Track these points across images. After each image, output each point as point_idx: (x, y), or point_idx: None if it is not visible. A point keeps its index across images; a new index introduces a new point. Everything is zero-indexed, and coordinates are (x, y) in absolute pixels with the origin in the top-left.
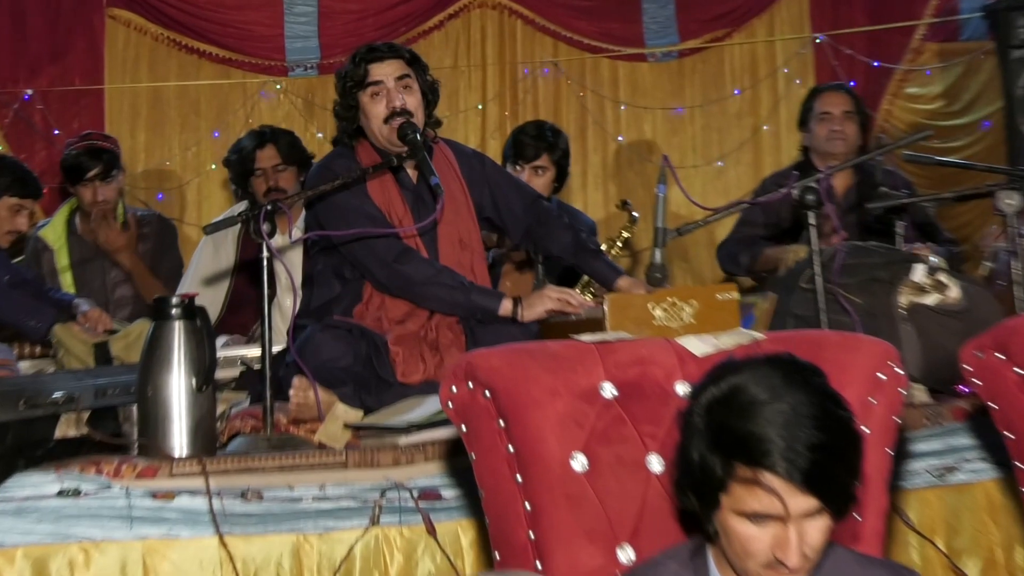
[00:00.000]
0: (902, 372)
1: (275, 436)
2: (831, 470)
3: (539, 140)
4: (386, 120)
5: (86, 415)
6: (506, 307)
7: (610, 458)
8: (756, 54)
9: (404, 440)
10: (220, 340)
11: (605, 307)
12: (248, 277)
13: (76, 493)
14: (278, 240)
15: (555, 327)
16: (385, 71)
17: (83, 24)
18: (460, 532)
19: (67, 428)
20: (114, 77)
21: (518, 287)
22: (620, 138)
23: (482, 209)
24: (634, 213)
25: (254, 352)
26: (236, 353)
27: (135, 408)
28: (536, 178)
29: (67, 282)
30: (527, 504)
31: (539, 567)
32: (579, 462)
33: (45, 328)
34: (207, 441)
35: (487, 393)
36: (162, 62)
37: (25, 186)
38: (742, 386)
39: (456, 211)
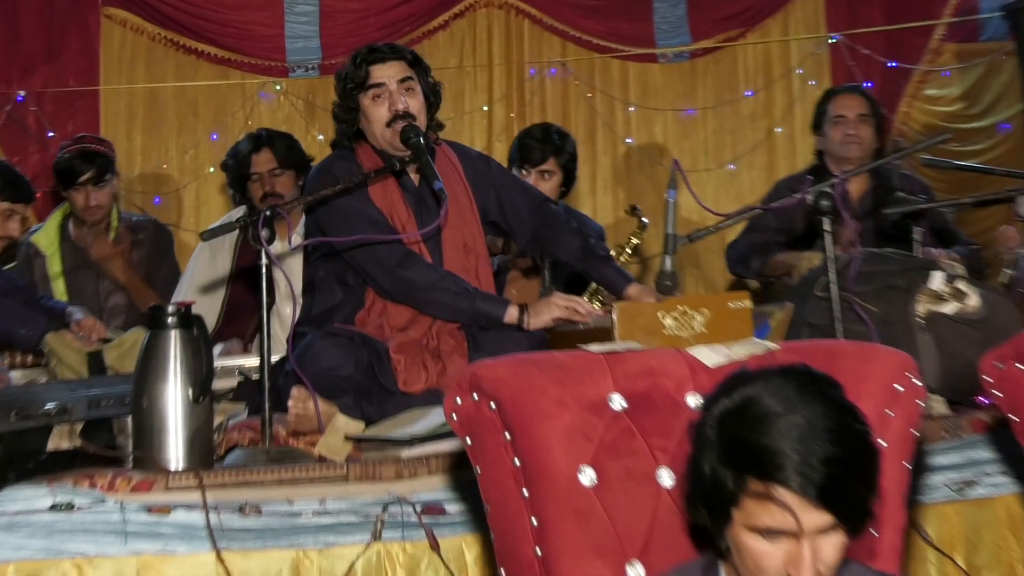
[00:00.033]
0: (920, 383)
1: (274, 449)
2: (847, 485)
3: (545, 143)
4: (388, 124)
5: (79, 427)
6: (512, 314)
7: (619, 472)
8: (770, 54)
9: (407, 453)
10: (217, 349)
11: (614, 316)
12: (246, 284)
13: (69, 507)
14: (277, 246)
15: (563, 336)
16: (387, 73)
17: (78, 23)
18: (464, 548)
19: (60, 440)
20: (110, 78)
21: (524, 294)
22: (630, 140)
23: (487, 213)
24: (643, 219)
25: (252, 362)
26: (234, 363)
27: (130, 420)
28: (543, 183)
29: (59, 289)
30: (534, 519)
31: None
32: (587, 476)
33: (36, 337)
34: (204, 454)
35: (493, 405)
36: (159, 62)
37: (16, 190)
38: (755, 398)
39: (460, 215)
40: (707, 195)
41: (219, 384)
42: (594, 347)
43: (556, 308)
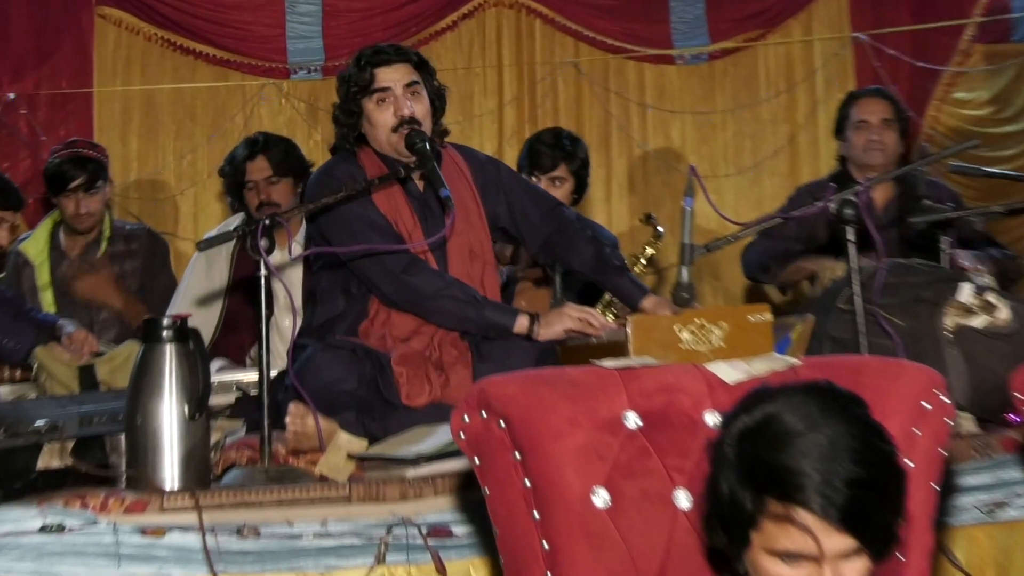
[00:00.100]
0: (948, 400)
1: (273, 468)
2: (871, 507)
3: (556, 149)
4: (394, 129)
5: (70, 445)
6: (522, 324)
7: (634, 493)
8: (792, 56)
9: (412, 472)
10: (215, 364)
11: (628, 329)
12: (244, 296)
13: (60, 529)
14: (277, 256)
15: (575, 351)
16: (393, 77)
17: (71, 23)
18: (472, 572)
19: (50, 459)
20: (104, 80)
21: (534, 305)
22: (646, 145)
23: (497, 218)
24: (659, 227)
25: (251, 376)
26: (232, 378)
27: (123, 437)
28: (553, 190)
29: (47, 300)
30: (545, 543)
31: None
32: (601, 497)
33: (24, 350)
34: (200, 473)
35: (502, 423)
36: (155, 64)
37: (6, 197)
38: (776, 415)
39: (467, 220)
40: (726, 202)
41: (216, 400)
42: (607, 362)
43: (568, 319)
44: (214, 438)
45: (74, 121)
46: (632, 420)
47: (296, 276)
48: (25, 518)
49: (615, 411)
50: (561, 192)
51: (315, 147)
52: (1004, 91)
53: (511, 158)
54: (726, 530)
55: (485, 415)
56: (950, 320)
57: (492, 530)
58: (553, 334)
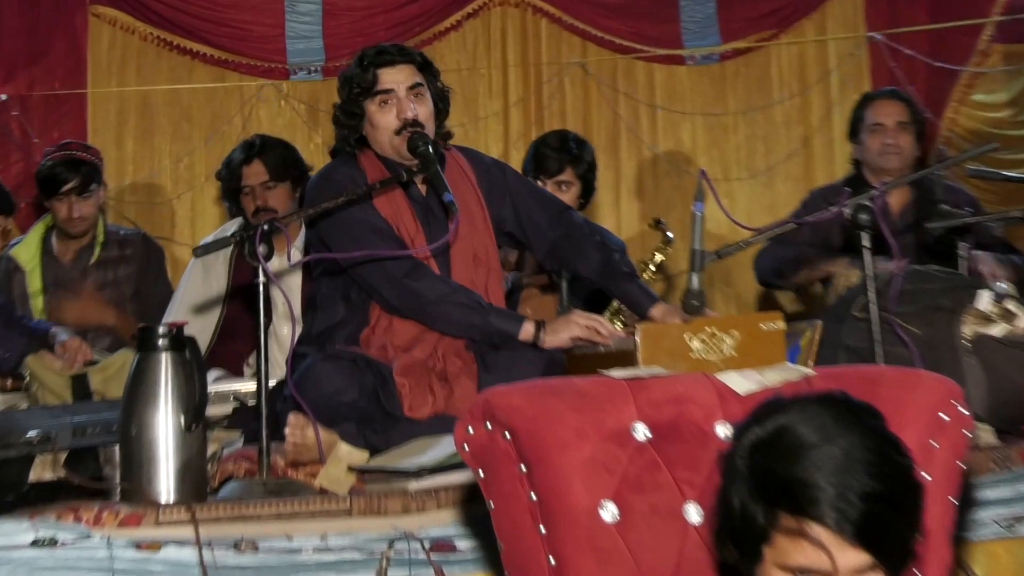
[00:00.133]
0: (967, 412)
1: (272, 480)
2: (886, 522)
3: (562, 152)
4: (397, 132)
5: (63, 456)
6: (527, 331)
7: (643, 507)
8: (805, 56)
9: (415, 485)
10: (211, 374)
11: (637, 338)
12: (241, 303)
13: (52, 543)
14: (275, 262)
15: (582, 360)
16: (396, 78)
17: (64, 23)
18: None
19: (42, 471)
20: (98, 81)
21: (540, 312)
22: (655, 148)
23: (502, 223)
24: (669, 233)
25: (248, 386)
26: (229, 388)
27: (117, 449)
28: (560, 194)
29: (38, 307)
30: (551, 558)
31: None
32: (609, 512)
33: (13, 358)
34: (196, 486)
35: (507, 435)
36: (151, 64)
37: None
38: (789, 427)
39: (471, 225)
40: (739, 207)
41: (213, 411)
42: (616, 372)
43: (575, 327)
44: (211, 449)
45: (67, 123)
46: (641, 432)
47: (295, 283)
48: (17, 532)
49: (623, 422)
50: (567, 196)
51: (315, 150)
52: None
53: (517, 161)
54: (737, 545)
55: (490, 426)
56: (968, 328)
57: (497, 545)
58: (559, 342)
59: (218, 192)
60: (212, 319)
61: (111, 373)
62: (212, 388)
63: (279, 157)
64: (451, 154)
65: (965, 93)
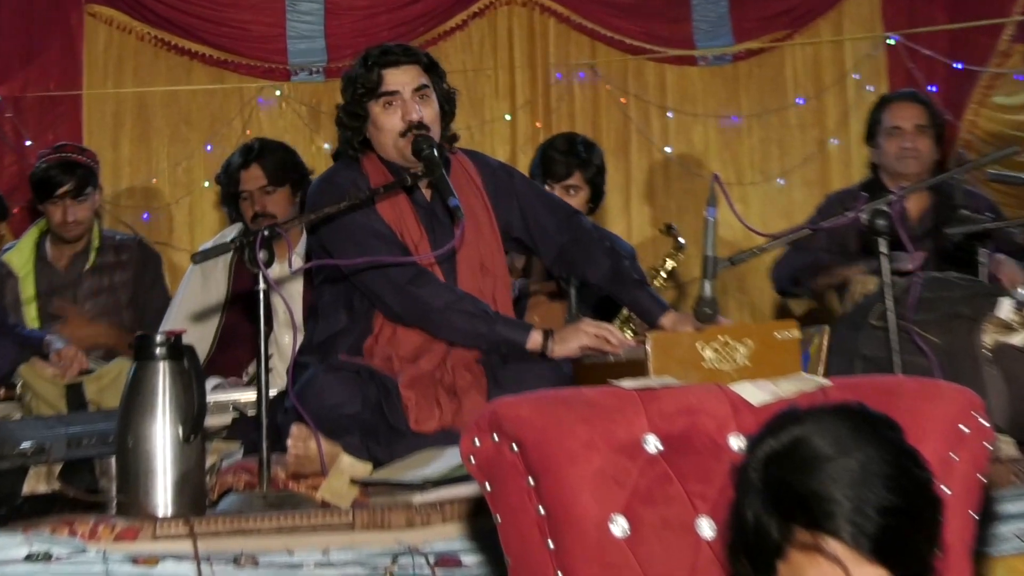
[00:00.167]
0: (987, 423)
1: (272, 493)
2: (904, 537)
3: (570, 156)
4: (402, 134)
5: (58, 468)
6: (535, 340)
7: (654, 521)
8: (821, 57)
9: (419, 498)
10: (210, 383)
11: (648, 347)
12: (241, 311)
13: (47, 557)
14: (276, 269)
15: (591, 369)
16: (402, 80)
17: (59, 22)
18: None
19: (36, 483)
20: (94, 82)
21: (548, 320)
22: (666, 151)
23: (509, 228)
24: (680, 239)
25: (248, 396)
26: (228, 397)
27: (113, 460)
28: (568, 198)
29: (31, 315)
30: (560, 573)
31: None
32: (619, 526)
33: (5, 367)
34: (195, 498)
35: (514, 447)
36: (148, 65)
37: None
38: (804, 439)
39: (477, 231)
40: (752, 212)
41: (212, 421)
42: (626, 382)
43: (584, 336)
44: (209, 461)
45: (62, 125)
46: (652, 444)
47: (296, 290)
48: (10, 546)
49: (634, 434)
50: (576, 201)
51: (317, 153)
52: None
53: (524, 165)
54: (751, 560)
55: (497, 438)
56: (989, 337)
57: (504, 560)
58: (568, 351)
59: (217, 197)
60: (211, 327)
61: (107, 382)
62: (211, 398)
63: (278, 161)
64: (456, 158)
65: (985, 95)
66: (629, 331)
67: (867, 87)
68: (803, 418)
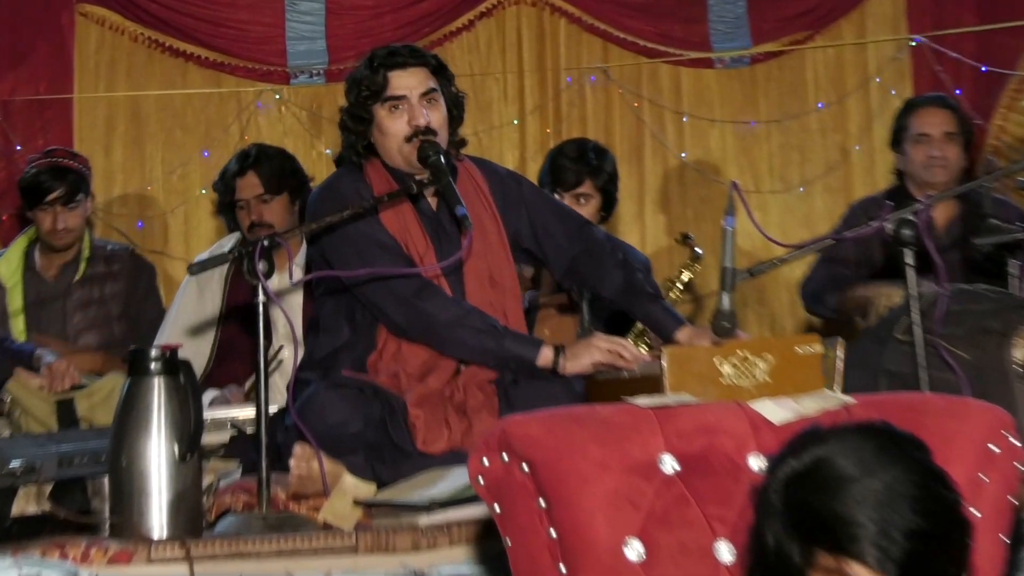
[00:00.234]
0: (1018, 442)
1: (272, 514)
2: (932, 561)
3: (580, 163)
4: (408, 139)
5: (48, 488)
6: (546, 356)
7: (671, 545)
8: (843, 60)
9: (425, 520)
10: (207, 395)
11: (663, 362)
12: (239, 324)
13: None
14: (275, 281)
15: (604, 386)
16: (409, 83)
17: (49, 22)
18: None
19: (26, 503)
20: (85, 85)
21: (558, 334)
22: (682, 157)
23: (518, 238)
24: (697, 249)
25: (247, 413)
26: (226, 414)
27: (106, 480)
28: (579, 207)
29: (19, 327)
30: None
31: None
32: (634, 550)
33: None
34: (191, 520)
35: (525, 467)
36: (142, 67)
37: None
38: (827, 459)
39: (485, 241)
40: (772, 222)
41: (209, 439)
42: (641, 400)
43: (597, 351)
44: (207, 481)
45: (53, 129)
46: (669, 464)
47: (296, 302)
48: None
49: (650, 454)
50: (587, 210)
51: (318, 159)
52: None
53: (534, 172)
54: None
55: (506, 458)
56: (1020, 352)
57: None
58: (580, 367)
59: (214, 205)
60: (207, 341)
61: (99, 399)
62: (208, 414)
63: (275, 168)
64: (463, 165)
65: (1014, 99)
66: (644, 346)
67: (891, 91)
68: (826, 437)
